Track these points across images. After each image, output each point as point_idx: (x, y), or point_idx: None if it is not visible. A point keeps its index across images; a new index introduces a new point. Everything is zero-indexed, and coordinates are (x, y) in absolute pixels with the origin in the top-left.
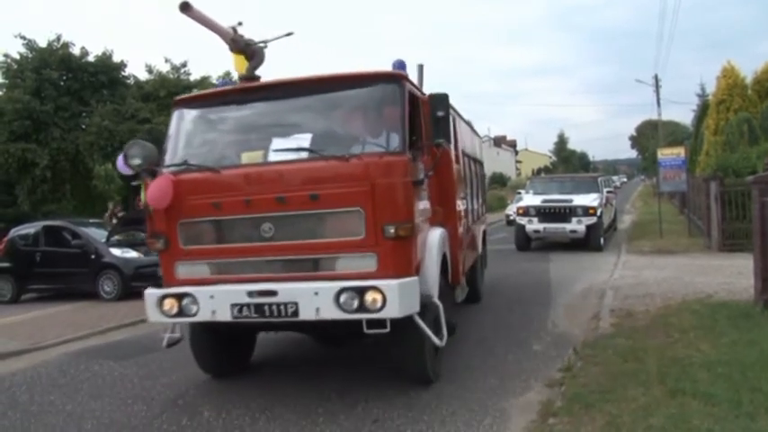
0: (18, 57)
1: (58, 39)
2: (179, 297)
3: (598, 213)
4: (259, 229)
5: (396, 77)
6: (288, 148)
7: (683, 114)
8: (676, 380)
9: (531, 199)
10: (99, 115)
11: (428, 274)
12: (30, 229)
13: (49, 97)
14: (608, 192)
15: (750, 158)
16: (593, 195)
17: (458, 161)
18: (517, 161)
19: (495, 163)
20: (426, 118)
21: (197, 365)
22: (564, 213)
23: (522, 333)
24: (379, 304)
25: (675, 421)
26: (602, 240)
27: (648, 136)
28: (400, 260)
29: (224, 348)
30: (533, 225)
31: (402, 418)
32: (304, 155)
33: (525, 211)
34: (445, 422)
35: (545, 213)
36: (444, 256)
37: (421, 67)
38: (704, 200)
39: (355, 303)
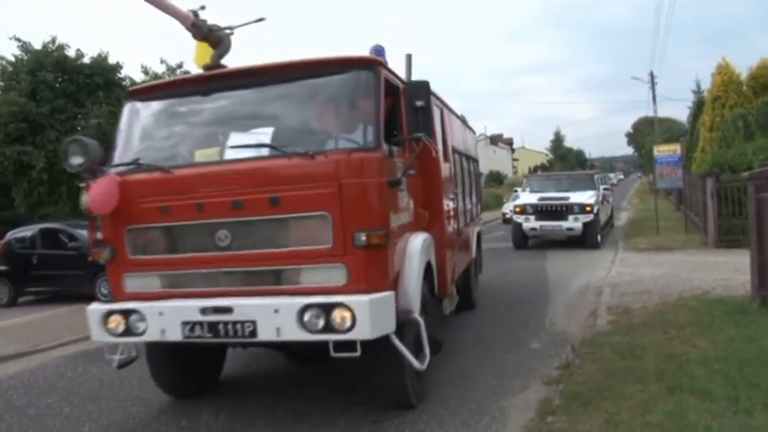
0: (13, 59)
1: (53, 41)
2: (125, 314)
3: (595, 211)
4: (213, 236)
5: (370, 63)
6: (245, 144)
7: (679, 111)
8: (674, 376)
9: (527, 197)
10: (95, 117)
11: (408, 287)
12: (26, 231)
13: (44, 99)
14: (604, 189)
15: (746, 154)
16: (590, 193)
17: (447, 158)
18: (514, 159)
19: (491, 161)
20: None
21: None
22: (561, 211)
23: (520, 332)
24: (347, 324)
25: (673, 418)
26: (599, 238)
27: (645, 133)
28: (373, 272)
29: (187, 366)
30: (530, 223)
31: (400, 417)
32: (264, 152)
33: (522, 210)
34: (444, 422)
35: (542, 211)
36: (429, 265)
37: (409, 57)
38: (700, 196)
39: (321, 322)
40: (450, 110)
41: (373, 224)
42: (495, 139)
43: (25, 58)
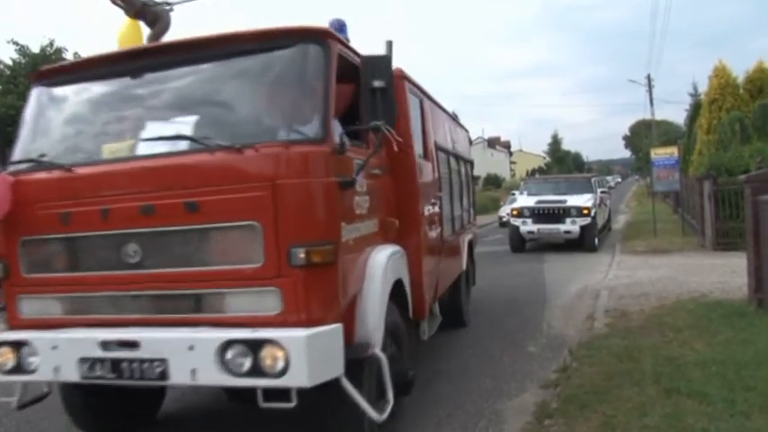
0: (11, 63)
1: (51, 44)
2: (15, 346)
3: (592, 214)
4: (121, 251)
5: (319, 35)
6: (161, 136)
7: (676, 114)
8: (671, 379)
9: (525, 200)
10: None
11: (367, 315)
12: None
13: None
14: (602, 192)
15: (743, 157)
16: (587, 196)
17: (428, 157)
18: (511, 162)
19: (489, 164)
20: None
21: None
22: (558, 214)
23: (518, 334)
24: (279, 366)
25: (670, 421)
26: (596, 241)
27: (642, 136)
28: (315, 299)
29: (112, 404)
30: (528, 226)
31: (398, 420)
32: (182, 145)
33: (519, 213)
34: (441, 424)
35: (539, 214)
36: (400, 284)
37: (389, 45)
38: (698, 199)
39: (247, 364)
40: (435, 102)
41: (316, 237)
42: (492, 142)
43: (23, 61)
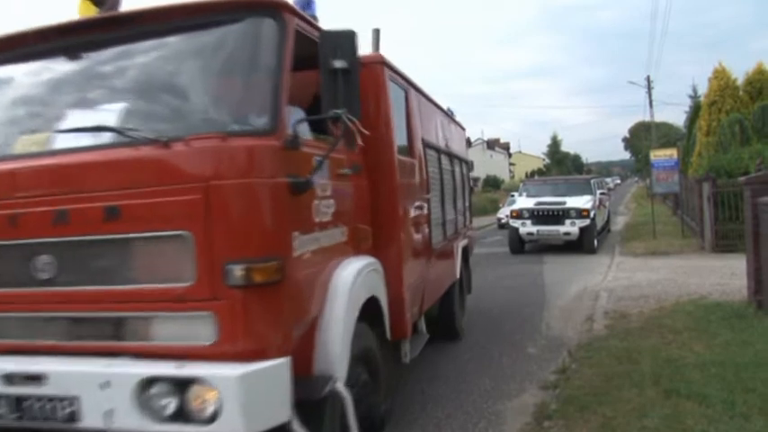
0: None
1: None
2: None
3: (591, 215)
4: (31, 265)
5: (270, 6)
6: (78, 127)
7: (675, 116)
8: (670, 381)
9: (524, 201)
10: None
11: (329, 342)
12: None
13: None
14: (601, 194)
15: (742, 159)
16: (587, 197)
17: (413, 154)
18: (511, 164)
19: (488, 166)
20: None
21: None
22: (557, 216)
23: (517, 335)
24: (209, 410)
25: (669, 422)
26: (595, 242)
27: (642, 137)
28: (256, 327)
29: None
30: (527, 228)
31: (397, 421)
32: (105, 138)
33: (519, 214)
34: (440, 425)
35: (538, 216)
36: (375, 302)
37: (376, 33)
38: (697, 201)
39: (171, 406)
40: (425, 95)
41: (259, 251)
42: (492, 144)
43: None
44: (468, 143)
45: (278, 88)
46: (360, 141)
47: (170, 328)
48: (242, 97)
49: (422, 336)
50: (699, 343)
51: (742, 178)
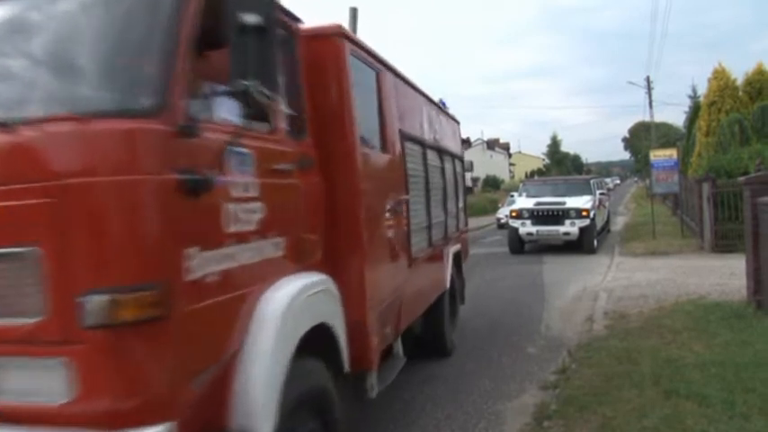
0: None
1: None
2: None
3: (591, 215)
4: None
5: None
6: None
7: (675, 116)
8: (670, 381)
9: (524, 202)
10: None
11: (250, 387)
12: None
13: None
14: (601, 194)
15: (742, 159)
16: (586, 197)
17: (386, 147)
18: (510, 164)
19: (488, 166)
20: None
21: None
22: (557, 216)
23: (516, 336)
24: None
25: (669, 422)
26: (595, 242)
27: (641, 137)
28: (126, 380)
29: None
30: (526, 228)
31: (396, 421)
32: None
33: (518, 214)
34: (440, 426)
35: (538, 216)
36: (327, 330)
37: (354, 12)
38: (697, 201)
39: None
40: (405, 80)
41: (129, 276)
42: (491, 144)
43: None
44: (468, 143)
45: (170, 56)
46: (281, 124)
47: (12, 380)
48: (119, 65)
49: (397, 360)
50: (698, 343)
51: (741, 178)
